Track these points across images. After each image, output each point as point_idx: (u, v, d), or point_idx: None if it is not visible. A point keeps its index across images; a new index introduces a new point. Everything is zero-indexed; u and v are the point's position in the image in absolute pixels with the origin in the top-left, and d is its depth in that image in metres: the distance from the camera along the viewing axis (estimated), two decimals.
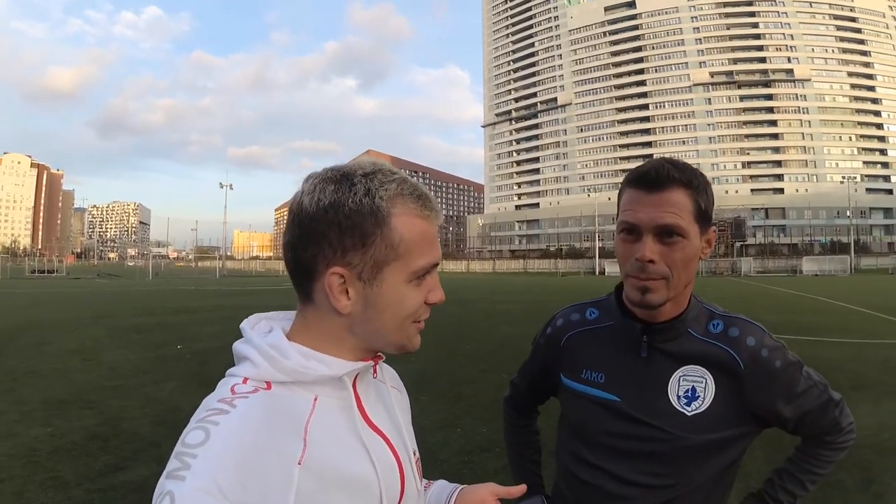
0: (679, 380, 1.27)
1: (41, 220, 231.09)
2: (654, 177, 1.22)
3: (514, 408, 1.70)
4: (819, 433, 1.34)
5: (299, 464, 0.80)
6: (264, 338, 0.89)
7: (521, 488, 1.12)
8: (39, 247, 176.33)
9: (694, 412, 1.25)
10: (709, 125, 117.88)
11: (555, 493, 1.51)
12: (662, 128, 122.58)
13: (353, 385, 0.91)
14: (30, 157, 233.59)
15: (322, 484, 0.81)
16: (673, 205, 1.20)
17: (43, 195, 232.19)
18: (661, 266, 1.21)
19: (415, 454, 1.00)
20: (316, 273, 0.87)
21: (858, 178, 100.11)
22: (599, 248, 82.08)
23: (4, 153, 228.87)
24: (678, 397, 1.26)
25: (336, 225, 0.84)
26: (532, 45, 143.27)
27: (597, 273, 72.57)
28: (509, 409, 1.71)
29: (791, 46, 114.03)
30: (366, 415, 0.92)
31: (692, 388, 1.26)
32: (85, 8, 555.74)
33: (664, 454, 1.25)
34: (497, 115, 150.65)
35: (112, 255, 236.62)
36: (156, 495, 0.72)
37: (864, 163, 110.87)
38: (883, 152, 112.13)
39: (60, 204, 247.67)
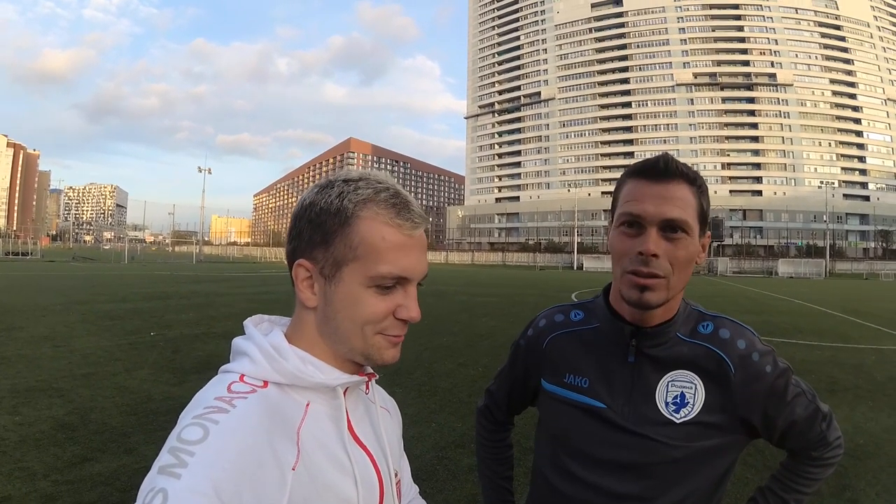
0: (667, 385, 1.21)
1: (17, 201, 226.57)
2: (663, 167, 1.16)
3: (489, 420, 1.57)
4: (805, 447, 1.27)
5: (293, 469, 0.79)
6: (266, 337, 0.90)
7: None
8: (14, 228, 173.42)
9: (683, 420, 1.18)
10: (690, 125, 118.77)
11: None
12: (644, 126, 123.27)
13: (344, 397, 0.92)
14: (6, 136, 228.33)
15: (310, 492, 0.81)
16: (679, 198, 1.14)
17: (19, 175, 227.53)
18: (664, 262, 1.14)
19: (396, 476, 0.99)
20: (293, 265, 0.91)
21: (836, 184, 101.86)
22: (578, 243, 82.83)
23: None
24: (666, 404, 1.20)
25: (308, 221, 0.89)
26: (517, 38, 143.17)
27: (574, 268, 73.17)
28: (484, 422, 1.58)
29: (775, 51, 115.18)
30: (352, 428, 0.92)
31: (681, 394, 1.20)
32: None
33: (652, 465, 1.18)
34: (480, 107, 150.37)
35: (88, 238, 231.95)
36: (145, 490, 0.70)
37: (843, 169, 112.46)
38: (861, 159, 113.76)
39: (36, 185, 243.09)
